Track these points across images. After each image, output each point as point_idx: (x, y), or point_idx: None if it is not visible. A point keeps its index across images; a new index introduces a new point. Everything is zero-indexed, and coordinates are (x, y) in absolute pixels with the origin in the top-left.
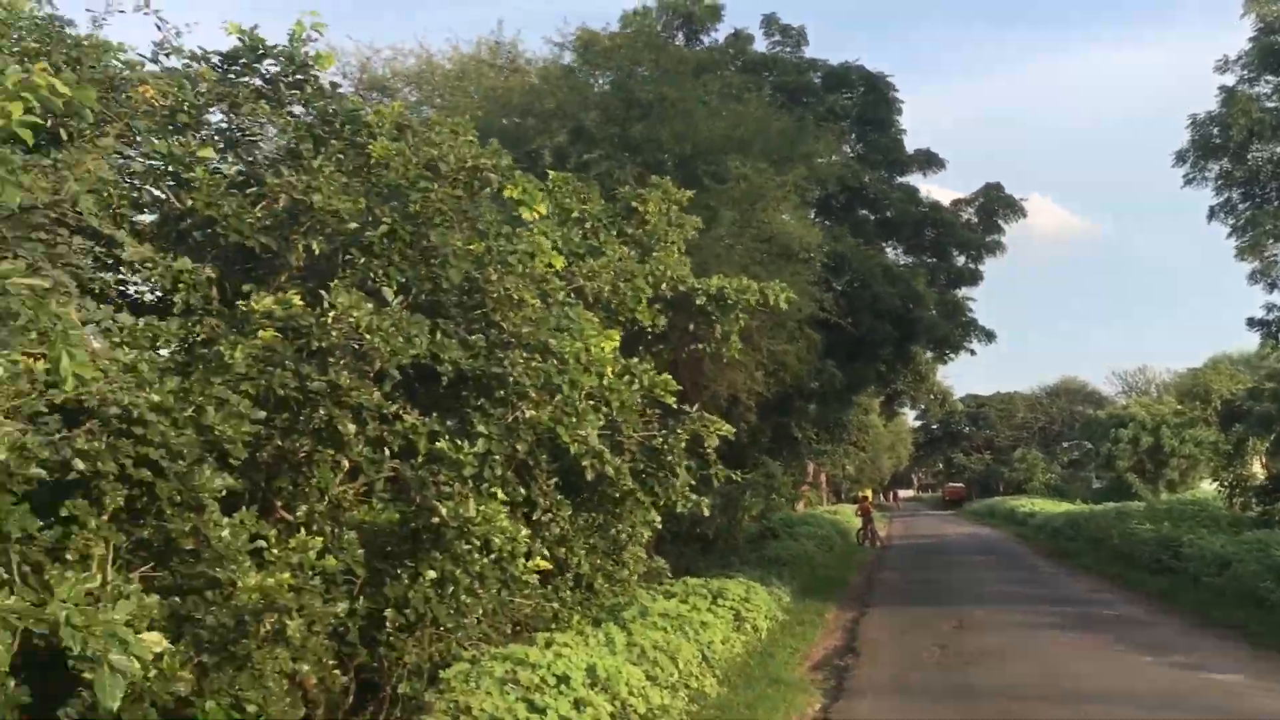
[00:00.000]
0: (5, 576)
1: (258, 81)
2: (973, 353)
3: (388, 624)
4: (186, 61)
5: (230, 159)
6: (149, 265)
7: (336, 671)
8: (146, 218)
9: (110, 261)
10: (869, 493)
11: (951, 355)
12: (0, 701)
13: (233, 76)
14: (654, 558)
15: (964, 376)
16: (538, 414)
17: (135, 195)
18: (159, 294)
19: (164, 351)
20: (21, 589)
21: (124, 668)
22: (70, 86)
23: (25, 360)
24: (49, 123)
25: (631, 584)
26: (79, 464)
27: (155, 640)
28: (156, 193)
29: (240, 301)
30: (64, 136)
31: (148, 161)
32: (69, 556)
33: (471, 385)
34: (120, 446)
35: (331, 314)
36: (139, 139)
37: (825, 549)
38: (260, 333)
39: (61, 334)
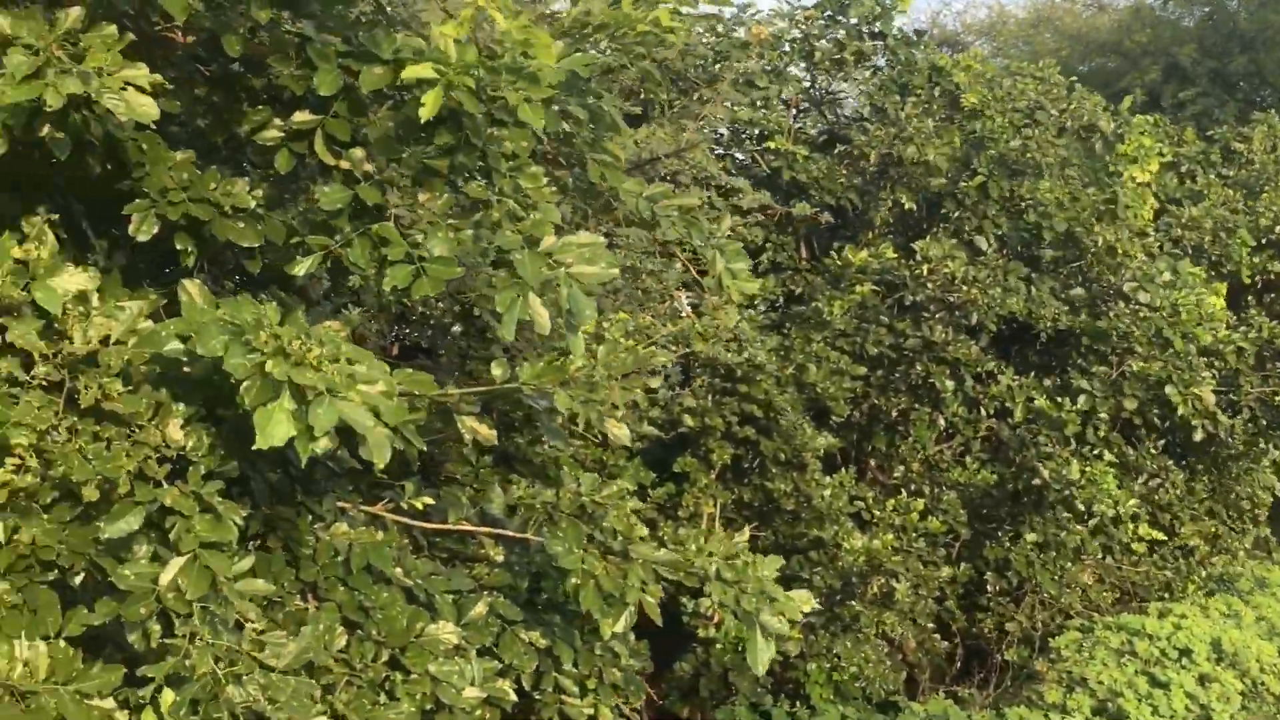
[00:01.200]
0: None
1: (840, 35)
2: None
3: (988, 588)
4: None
5: (812, 118)
6: (740, 225)
7: (936, 636)
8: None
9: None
10: None
11: None
12: (626, 654)
13: (815, 33)
14: (1260, 525)
15: None
16: (1147, 366)
17: (722, 161)
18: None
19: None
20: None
21: (774, 628)
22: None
23: (642, 317)
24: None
25: (1241, 553)
26: (688, 420)
27: (805, 599)
28: (739, 155)
29: (828, 258)
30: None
31: (733, 125)
32: (680, 514)
33: (1072, 341)
34: (726, 404)
35: (925, 266)
36: (734, 99)
37: None
38: (856, 287)
39: (717, 250)
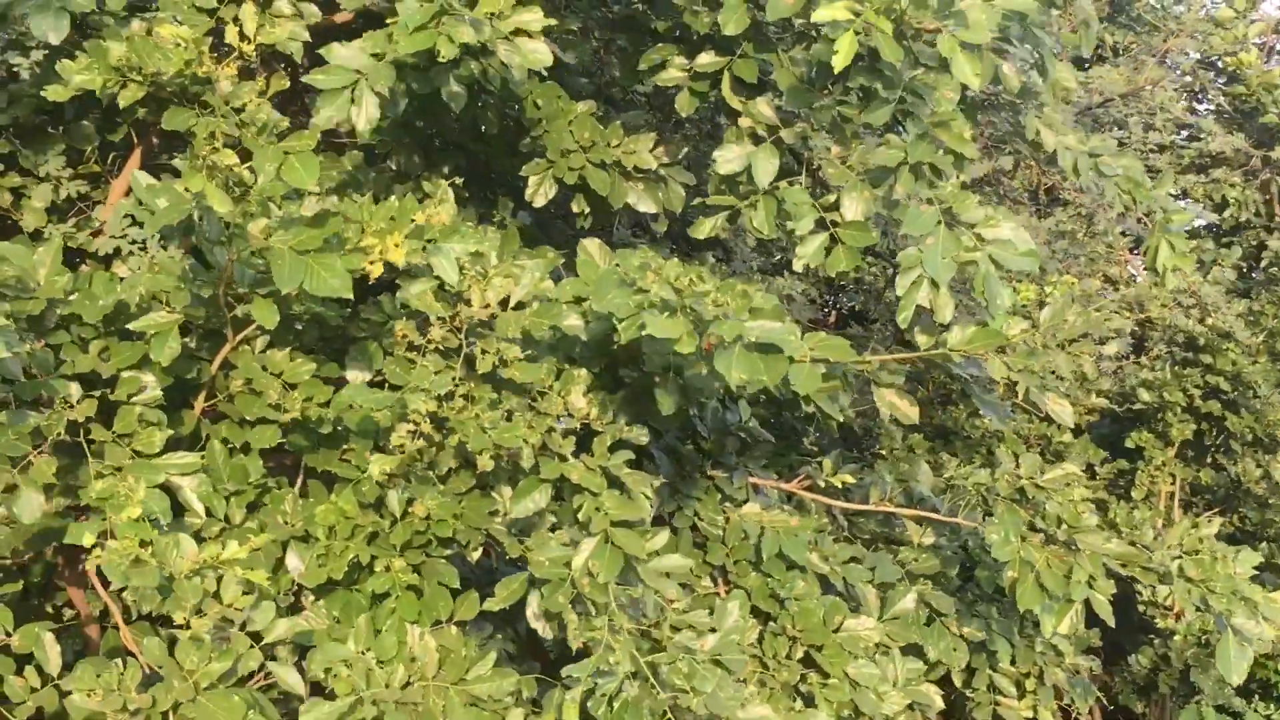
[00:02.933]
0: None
1: None
2: None
3: None
4: None
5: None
6: (1202, 181)
7: None
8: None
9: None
10: None
11: None
12: (1072, 651)
13: None
14: None
15: None
16: None
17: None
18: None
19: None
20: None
21: (1254, 635)
22: None
23: (1089, 281)
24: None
25: None
26: (1144, 395)
27: None
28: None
29: None
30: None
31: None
32: (1133, 494)
33: None
34: (1188, 375)
35: None
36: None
37: None
38: None
39: (1163, 222)
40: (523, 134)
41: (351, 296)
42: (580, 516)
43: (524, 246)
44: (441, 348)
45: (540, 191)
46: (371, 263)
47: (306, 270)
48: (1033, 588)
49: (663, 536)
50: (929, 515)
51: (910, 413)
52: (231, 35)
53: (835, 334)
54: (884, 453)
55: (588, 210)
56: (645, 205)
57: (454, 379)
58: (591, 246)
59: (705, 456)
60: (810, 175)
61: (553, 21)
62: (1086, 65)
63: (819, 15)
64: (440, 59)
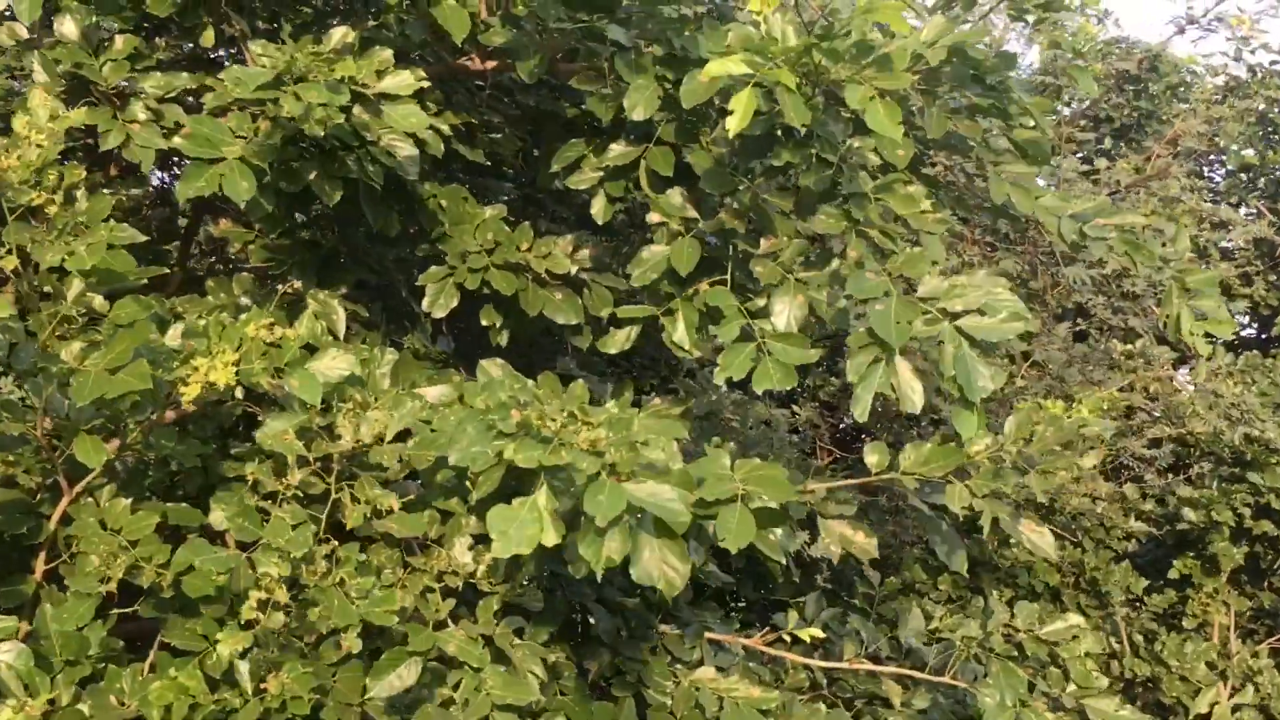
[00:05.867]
0: (1115, 646)
1: None
2: None
3: None
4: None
5: None
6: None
7: None
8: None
9: None
10: None
11: None
12: None
13: None
14: None
15: None
16: None
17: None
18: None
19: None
20: (1132, 660)
21: None
22: None
23: (1112, 393)
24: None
25: None
26: (1190, 515)
27: None
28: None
29: None
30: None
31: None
32: (1184, 624)
33: None
34: (1235, 493)
35: None
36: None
37: None
38: None
39: (1175, 279)
40: (424, 241)
41: (150, 386)
42: (457, 696)
43: (438, 371)
44: (303, 495)
45: (440, 301)
46: (188, 385)
47: (108, 383)
48: None
49: None
50: (912, 674)
51: (867, 546)
52: (21, 125)
53: (842, 456)
54: (857, 600)
55: (500, 324)
56: (562, 316)
57: (315, 534)
58: (492, 368)
59: (653, 609)
60: (738, 276)
61: (426, 83)
62: (1092, 162)
63: (709, 71)
64: (285, 120)
